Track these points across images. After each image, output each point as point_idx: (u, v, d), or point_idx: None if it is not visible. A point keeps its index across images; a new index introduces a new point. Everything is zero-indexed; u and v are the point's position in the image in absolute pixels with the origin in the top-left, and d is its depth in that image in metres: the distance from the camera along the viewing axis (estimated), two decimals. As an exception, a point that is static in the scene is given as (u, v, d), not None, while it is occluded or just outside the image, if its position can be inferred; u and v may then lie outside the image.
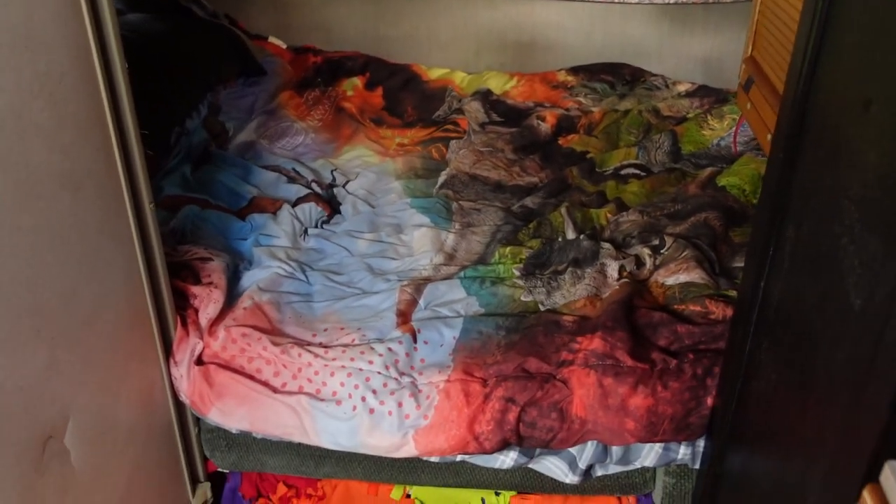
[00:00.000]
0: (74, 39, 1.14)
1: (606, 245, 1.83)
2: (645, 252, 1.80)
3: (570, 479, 1.52)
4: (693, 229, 1.88)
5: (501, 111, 2.76)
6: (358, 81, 2.94)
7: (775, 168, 1.13)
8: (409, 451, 1.47)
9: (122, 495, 1.35)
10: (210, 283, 1.65)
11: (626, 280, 1.69)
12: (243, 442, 1.65)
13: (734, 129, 2.38)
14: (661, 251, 1.81)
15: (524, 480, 1.63)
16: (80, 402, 1.19)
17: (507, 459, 1.52)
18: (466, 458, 1.52)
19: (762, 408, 1.16)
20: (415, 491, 1.77)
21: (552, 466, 1.53)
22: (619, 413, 1.41)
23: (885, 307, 0.74)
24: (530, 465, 1.55)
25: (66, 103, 1.12)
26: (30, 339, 1.06)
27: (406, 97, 2.88)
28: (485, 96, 2.83)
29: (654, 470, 1.61)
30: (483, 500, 1.75)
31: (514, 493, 1.72)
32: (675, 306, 1.60)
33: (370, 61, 3.07)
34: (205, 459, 1.72)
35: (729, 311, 1.53)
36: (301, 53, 3.12)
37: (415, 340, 1.56)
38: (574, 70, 3.01)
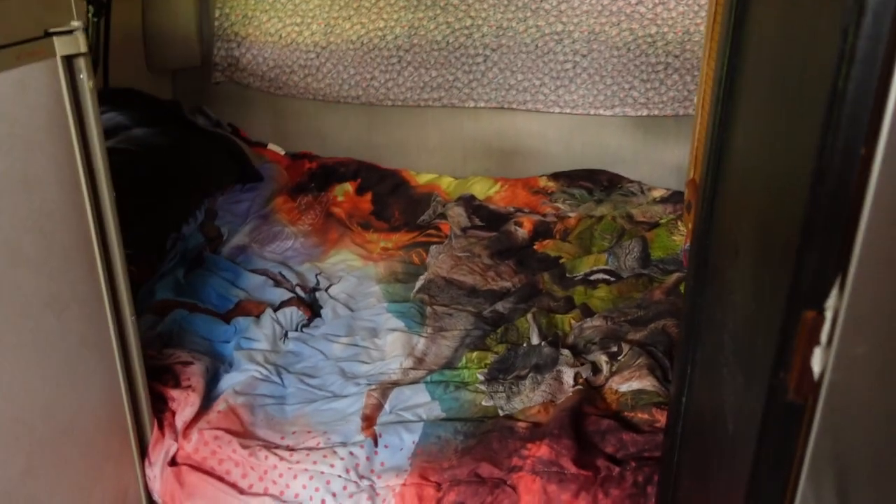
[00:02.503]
0: (67, 178, 1.30)
1: (565, 352, 1.94)
2: (602, 359, 1.90)
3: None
4: (651, 336, 1.99)
5: (483, 216, 2.92)
6: (349, 187, 3.12)
7: (689, 296, 1.25)
8: (365, 553, 1.54)
9: None
10: (189, 387, 1.76)
11: (579, 387, 1.79)
12: (213, 541, 1.72)
13: (683, 246, 2.51)
14: (618, 358, 1.91)
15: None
16: (54, 504, 1.29)
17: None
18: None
19: (683, 517, 1.24)
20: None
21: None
22: (563, 519, 1.48)
23: (747, 434, 0.85)
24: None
25: (55, 234, 1.26)
26: (9, 447, 1.17)
27: (394, 202, 3.05)
28: (468, 201, 2.99)
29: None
30: None
31: None
32: (626, 413, 1.70)
33: (362, 167, 3.26)
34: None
35: (672, 420, 1.62)
36: (298, 159, 3.32)
37: (376, 444, 1.65)
38: (554, 176, 3.18)
